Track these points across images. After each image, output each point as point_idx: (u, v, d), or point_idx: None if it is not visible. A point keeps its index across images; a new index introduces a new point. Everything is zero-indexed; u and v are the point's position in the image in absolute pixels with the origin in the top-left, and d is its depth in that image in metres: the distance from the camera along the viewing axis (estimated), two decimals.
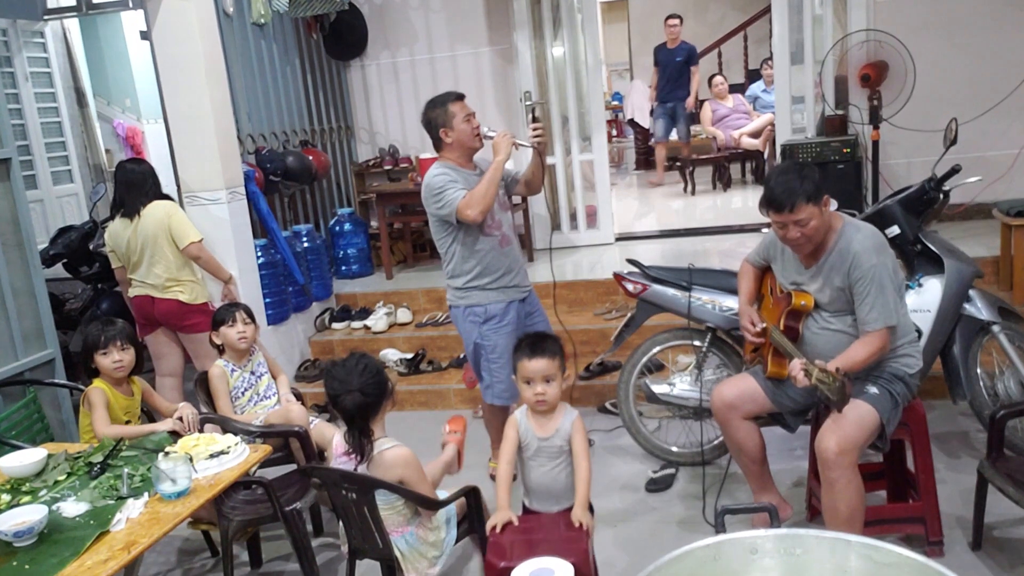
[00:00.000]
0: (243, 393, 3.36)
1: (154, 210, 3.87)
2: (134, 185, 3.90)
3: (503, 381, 3.48)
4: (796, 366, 2.43)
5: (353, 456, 2.43)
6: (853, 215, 2.94)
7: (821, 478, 2.60)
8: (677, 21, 8.54)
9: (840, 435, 2.52)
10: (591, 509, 2.47)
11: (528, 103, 5.96)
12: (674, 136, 8.73)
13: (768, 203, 2.64)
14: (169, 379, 4.11)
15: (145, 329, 3.99)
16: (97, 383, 3.00)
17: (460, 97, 3.42)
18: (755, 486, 3.00)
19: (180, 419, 2.92)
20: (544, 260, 5.90)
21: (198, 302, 3.96)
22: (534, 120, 3.46)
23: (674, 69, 8.46)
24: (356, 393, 2.38)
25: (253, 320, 3.43)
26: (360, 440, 2.41)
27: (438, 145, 3.43)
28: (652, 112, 9.19)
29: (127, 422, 3.03)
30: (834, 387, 2.29)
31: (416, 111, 6.39)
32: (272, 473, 3.23)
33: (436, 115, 3.39)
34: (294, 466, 3.18)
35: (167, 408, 3.13)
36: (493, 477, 3.65)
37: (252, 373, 3.40)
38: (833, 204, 2.87)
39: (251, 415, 3.31)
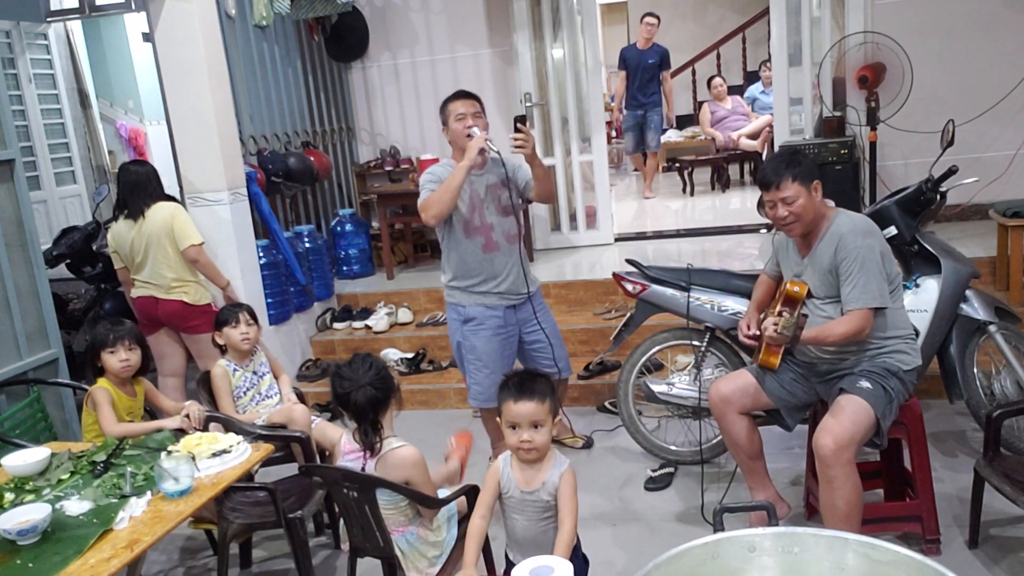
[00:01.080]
0: (245, 393, 3.38)
1: (158, 211, 3.89)
2: (137, 186, 3.92)
3: (479, 383, 3.47)
4: (768, 323, 2.61)
5: (361, 454, 2.42)
6: None
7: (819, 475, 2.62)
8: (655, 20, 7.76)
9: (837, 432, 2.54)
10: (584, 561, 2.28)
11: (527, 104, 5.98)
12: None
13: (759, 183, 2.77)
14: (171, 379, 4.13)
15: (147, 329, 3.99)
16: (101, 383, 3.02)
17: (460, 95, 3.38)
18: (752, 483, 3.02)
19: (187, 416, 2.94)
20: (544, 260, 5.93)
21: (202, 303, 3.98)
22: (516, 129, 3.26)
23: (645, 72, 7.71)
24: (367, 387, 2.36)
25: (256, 321, 3.45)
26: (371, 435, 2.39)
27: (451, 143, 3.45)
28: (622, 121, 8.43)
29: (129, 422, 3.04)
30: (789, 324, 2.54)
31: (417, 112, 6.51)
32: (273, 473, 3.25)
33: (441, 112, 3.43)
34: (295, 465, 3.19)
35: (172, 408, 3.14)
36: None
37: (254, 373, 3.42)
38: (829, 204, 2.90)
39: (253, 414, 3.33)
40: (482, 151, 3.22)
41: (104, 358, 3.02)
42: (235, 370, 3.37)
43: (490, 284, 3.39)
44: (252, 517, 2.83)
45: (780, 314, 2.72)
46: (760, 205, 5.13)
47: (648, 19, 7.77)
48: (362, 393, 2.36)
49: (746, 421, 2.94)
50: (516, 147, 3.25)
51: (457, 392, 4.67)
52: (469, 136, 3.28)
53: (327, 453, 3.22)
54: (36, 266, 3.55)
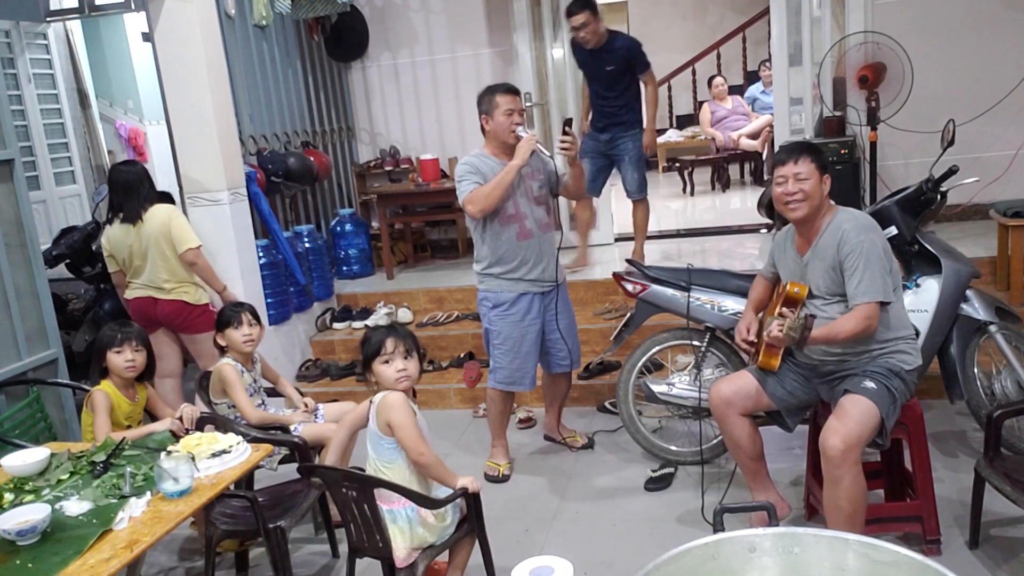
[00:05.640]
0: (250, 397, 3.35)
1: (156, 214, 3.87)
2: (130, 189, 3.87)
3: (504, 368, 3.60)
4: (772, 325, 2.61)
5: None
6: None
7: (824, 476, 2.62)
8: (583, 19, 4.76)
9: (843, 432, 2.54)
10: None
11: (527, 104, 5.98)
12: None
13: (776, 161, 2.80)
14: (169, 380, 4.11)
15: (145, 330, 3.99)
16: (104, 385, 3.01)
17: (510, 90, 3.49)
18: (753, 484, 3.02)
19: (180, 418, 2.93)
20: None
21: (201, 303, 3.97)
22: (564, 132, 3.44)
23: (605, 81, 4.99)
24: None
25: (259, 321, 3.39)
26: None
27: (482, 131, 3.51)
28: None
29: (127, 427, 3.01)
30: (796, 325, 2.52)
31: (417, 113, 6.51)
32: (278, 475, 3.25)
33: (483, 101, 3.48)
34: (295, 466, 3.18)
35: (170, 415, 3.12)
36: (489, 477, 3.67)
37: (255, 380, 3.39)
38: (830, 203, 2.90)
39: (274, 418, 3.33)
40: (533, 152, 3.37)
41: (110, 358, 3.02)
42: (242, 372, 3.33)
43: (523, 271, 3.52)
44: (238, 524, 2.79)
45: (782, 315, 2.72)
46: (760, 205, 5.13)
47: (575, 19, 4.80)
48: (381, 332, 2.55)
49: (747, 423, 2.94)
50: (563, 149, 3.41)
51: (457, 392, 4.67)
52: (514, 132, 3.41)
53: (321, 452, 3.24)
54: (36, 266, 3.54)
